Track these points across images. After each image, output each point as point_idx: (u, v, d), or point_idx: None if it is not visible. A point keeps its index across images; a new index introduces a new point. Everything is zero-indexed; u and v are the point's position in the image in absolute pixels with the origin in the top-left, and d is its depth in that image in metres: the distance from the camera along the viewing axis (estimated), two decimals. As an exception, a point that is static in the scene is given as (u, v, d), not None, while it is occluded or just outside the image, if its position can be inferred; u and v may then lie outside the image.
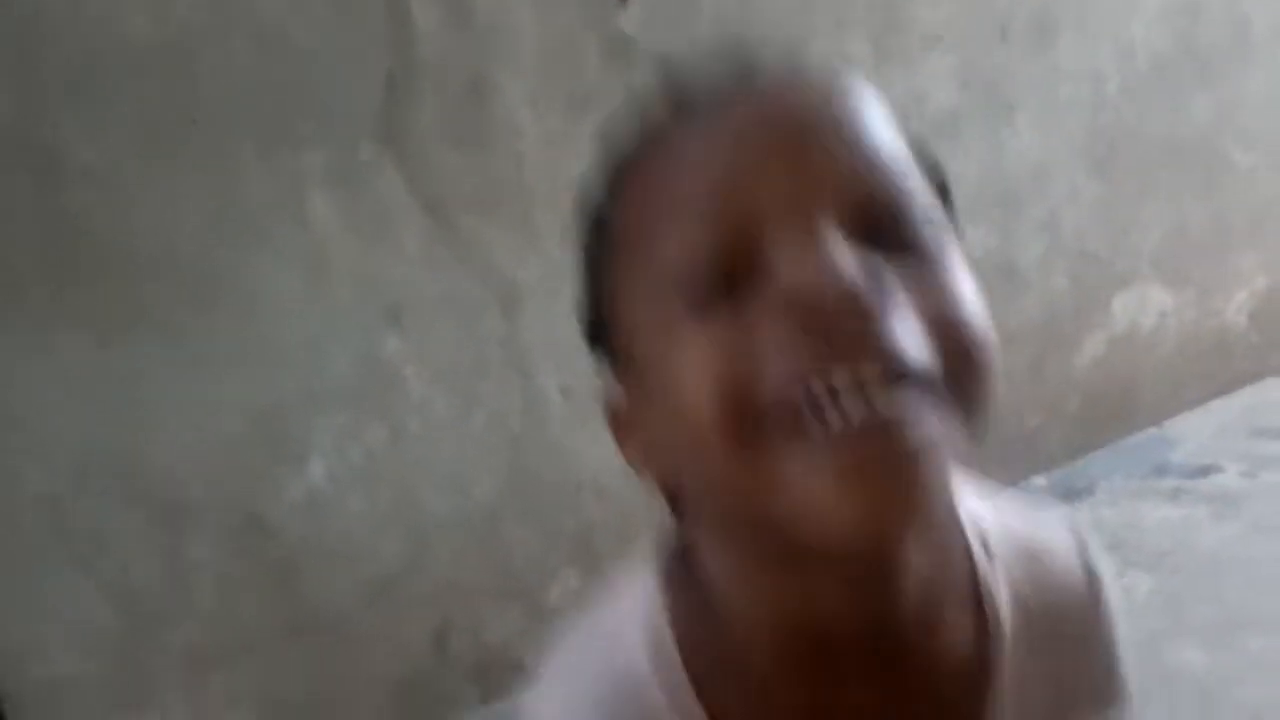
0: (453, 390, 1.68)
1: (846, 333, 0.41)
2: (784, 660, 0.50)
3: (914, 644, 0.50)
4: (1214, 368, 2.40)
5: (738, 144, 0.45)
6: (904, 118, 0.49)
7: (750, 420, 0.42)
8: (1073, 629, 0.56)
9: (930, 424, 0.42)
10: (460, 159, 1.55)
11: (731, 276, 0.43)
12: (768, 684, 0.50)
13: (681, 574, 0.54)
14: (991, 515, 0.56)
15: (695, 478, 0.47)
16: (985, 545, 0.55)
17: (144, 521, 1.56)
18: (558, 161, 1.59)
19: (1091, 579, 0.58)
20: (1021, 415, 2.25)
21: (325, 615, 1.68)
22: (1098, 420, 2.32)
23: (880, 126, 0.46)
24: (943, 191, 0.49)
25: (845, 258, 0.41)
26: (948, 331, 0.43)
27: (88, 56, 1.33)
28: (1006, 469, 2.24)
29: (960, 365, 0.43)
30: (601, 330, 0.51)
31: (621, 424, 0.51)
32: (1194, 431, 2.35)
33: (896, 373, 0.41)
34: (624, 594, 0.55)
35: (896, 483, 0.41)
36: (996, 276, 2.09)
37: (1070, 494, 2.25)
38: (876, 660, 0.49)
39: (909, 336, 0.42)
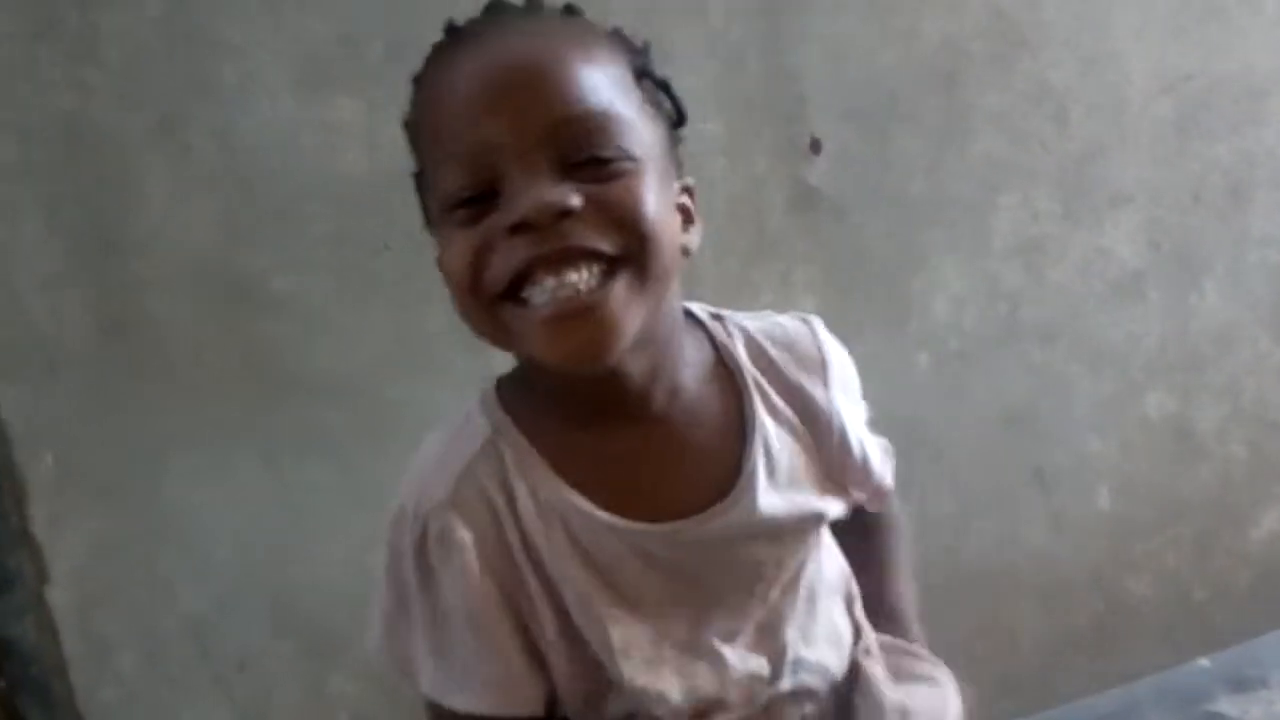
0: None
1: (547, 239, 0.62)
2: (570, 413, 0.72)
3: (659, 406, 0.72)
4: (1404, 553, 2.16)
5: (484, 92, 0.64)
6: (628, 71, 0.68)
7: (486, 294, 0.65)
8: (806, 364, 0.78)
9: (609, 287, 0.63)
10: (639, 300, 1.49)
11: (479, 200, 0.64)
12: (563, 425, 0.72)
13: (512, 372, 0.77)
14: (740, 316, 0.80)
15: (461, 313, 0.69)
16: (726, 330, 0.78)
17: (290, 650, 1.49)
18: (734, 306, 1.52)
19: (811, 328, 0.81)
20: (1188, 590, 2.05)
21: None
22: (1271, 601, 2.09)
23: (591, 77, 0.65)
24: (668, 95, 0.72)
25: (550, 192, 0.61)
26: (626, 225, 0.63)
27: (295, 189, 1.32)
28: (1170, 645, 2.04)
29: (636, 245, 0.64)
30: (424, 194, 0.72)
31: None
32: (1383, 623, 2.10)
33: (580, 255, 0.62)
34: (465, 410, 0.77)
35: (583, 328, 0.63)
36: (1172, 441, 1.93)
37: (1240, 683, 2.02)
38: (631, 416, 0.71)
39: (590, 233, 0.62)
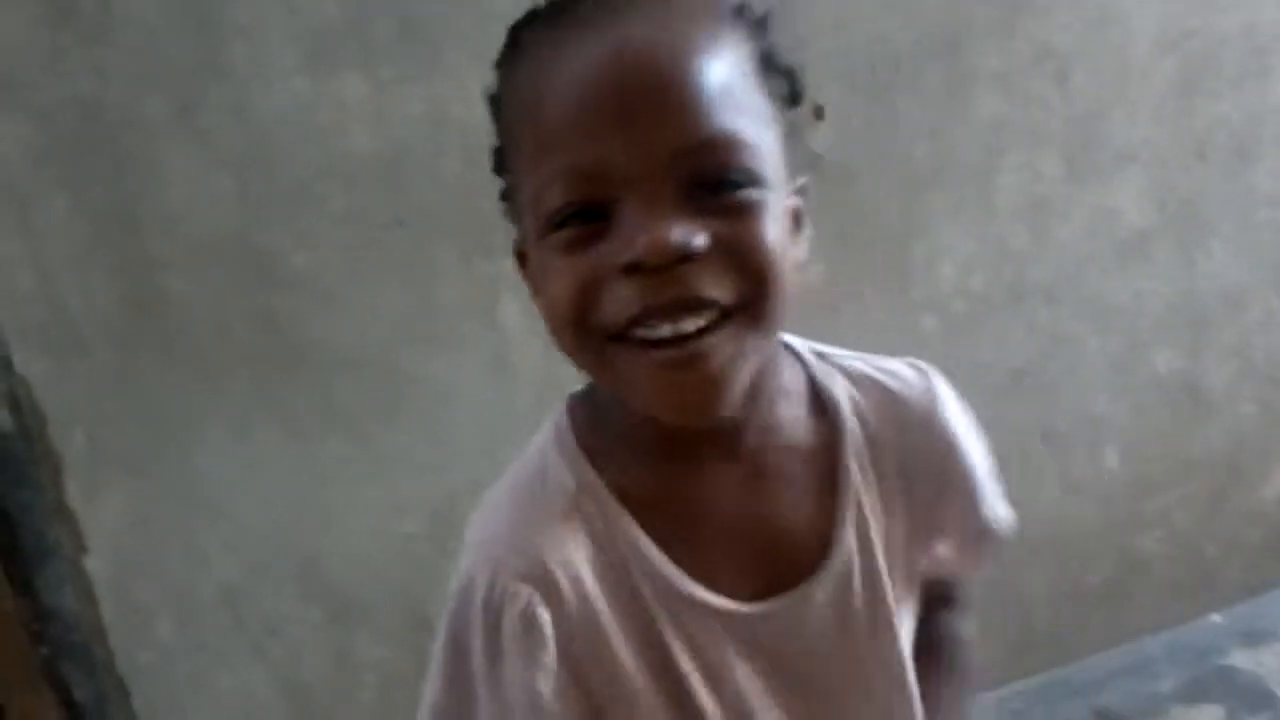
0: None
1: (664, 285, 0.53)
2: (655, 447, 0.63)
3: (751, 442, 0.64)
4: None
5: (600, 103, 0.54)
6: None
7: (592, 329, 0.56)
8: (916, 417, 0.69)
9: (721, 337, 0.55)
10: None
11: (586, 218, 0.55)
12: (647, 464, 0.63)
13: (585, 393, 0.67)
14: (846, 356, 0.71)
15: (560, 344, 0.59)
16: (828, 368, 0.69)
17: (319, 616, 1.51)
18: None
19: (926, 376, 0.71)
20: (1200, 546, 2.02)
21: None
22: (1282, 556, 2.08)
23: (721, 82, 0.55)
24: (793, 96, 0.61)
25: (673, 231, 0.52)
26: (749, 271, 0.55)
27: (310, 167, 1.32)
28: (1181, 601, 2.02)
29: (756, 291, 0.55)
30: (508, 181, 0.62)
31: (524, 258, 0.63)
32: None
33: (698, 304, 0.54)
34: (539, 435, 0.68)
35: (694, 380, 0.55)
36: (1182, 400, 1.90)
37: (1250, 636, 2.01)
38: (721, 452, 0.63)
39: (709, 281, 0.54)
